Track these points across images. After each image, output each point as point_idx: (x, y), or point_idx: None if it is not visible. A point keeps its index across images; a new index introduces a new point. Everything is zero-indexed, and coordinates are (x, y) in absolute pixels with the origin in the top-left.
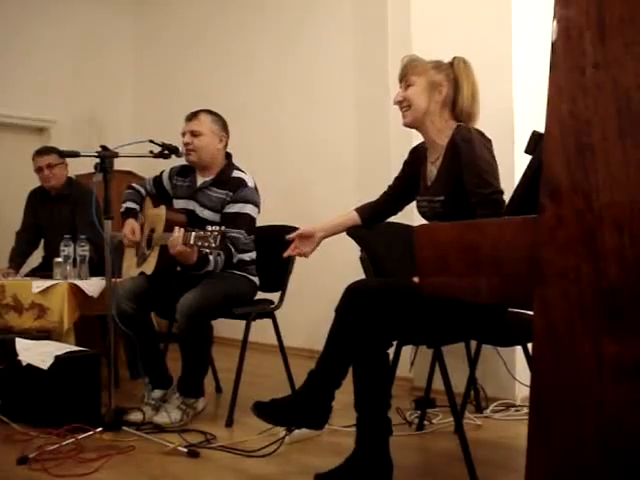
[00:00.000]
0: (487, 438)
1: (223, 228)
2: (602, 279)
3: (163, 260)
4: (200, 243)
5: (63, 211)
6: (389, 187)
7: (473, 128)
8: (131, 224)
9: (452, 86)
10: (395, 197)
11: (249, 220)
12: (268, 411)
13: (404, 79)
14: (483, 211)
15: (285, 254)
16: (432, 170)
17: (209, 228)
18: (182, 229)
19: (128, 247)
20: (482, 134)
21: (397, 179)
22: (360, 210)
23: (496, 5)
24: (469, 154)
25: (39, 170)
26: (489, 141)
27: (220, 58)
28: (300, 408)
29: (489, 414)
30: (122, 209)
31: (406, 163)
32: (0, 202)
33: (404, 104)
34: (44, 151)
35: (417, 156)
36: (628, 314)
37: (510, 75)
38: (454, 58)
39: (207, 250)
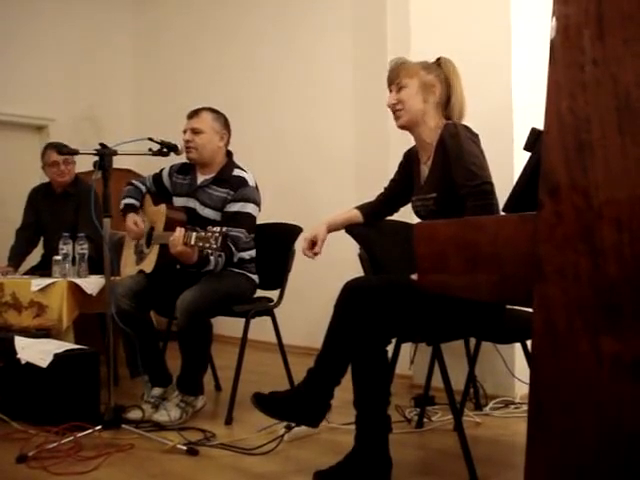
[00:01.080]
0: (486, 435)
1: (224, 229)
2: (601, 276)
3: (163, 259)
4: (201, 244)
5: (67, 209)
6: (385, 189)
7: (459, 124)
8: (132, 217)
9: (444, 86)
10: (391, 198)
11: (250, 219)
12: (266, 403)
13: (395, 82)
14: (472, 202)
15: (313, 257)
16: (424, 170)
17: (210, 229)
18: (183, 229)
19: (133, 239)
20: (468, 129)
21: (393, 181)
22: (361, 209)
23: (495, 3)
24: (456, 148)
25: (54, 164)
26: (475, 135)
27: (219, 56)
28: (298, 405)
29: (488, 412)
30: (121, 205)
31: (401, 165)
32: None
33: (397, 106)
34: (59, 146)
35: (410, 158)
36: (627, 311)
37: (509, 72)
38: (440, 59)
39: (208, 251)
